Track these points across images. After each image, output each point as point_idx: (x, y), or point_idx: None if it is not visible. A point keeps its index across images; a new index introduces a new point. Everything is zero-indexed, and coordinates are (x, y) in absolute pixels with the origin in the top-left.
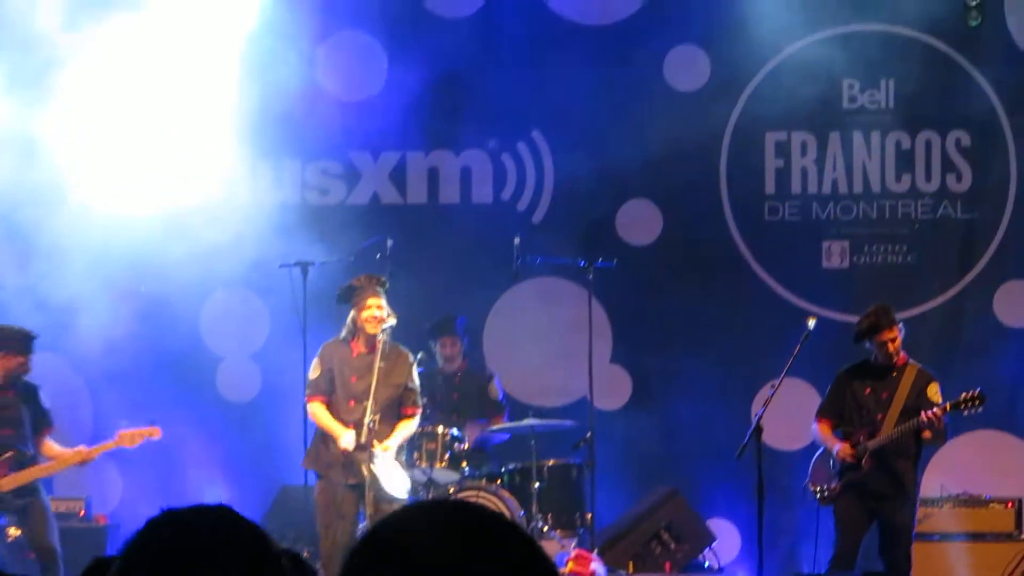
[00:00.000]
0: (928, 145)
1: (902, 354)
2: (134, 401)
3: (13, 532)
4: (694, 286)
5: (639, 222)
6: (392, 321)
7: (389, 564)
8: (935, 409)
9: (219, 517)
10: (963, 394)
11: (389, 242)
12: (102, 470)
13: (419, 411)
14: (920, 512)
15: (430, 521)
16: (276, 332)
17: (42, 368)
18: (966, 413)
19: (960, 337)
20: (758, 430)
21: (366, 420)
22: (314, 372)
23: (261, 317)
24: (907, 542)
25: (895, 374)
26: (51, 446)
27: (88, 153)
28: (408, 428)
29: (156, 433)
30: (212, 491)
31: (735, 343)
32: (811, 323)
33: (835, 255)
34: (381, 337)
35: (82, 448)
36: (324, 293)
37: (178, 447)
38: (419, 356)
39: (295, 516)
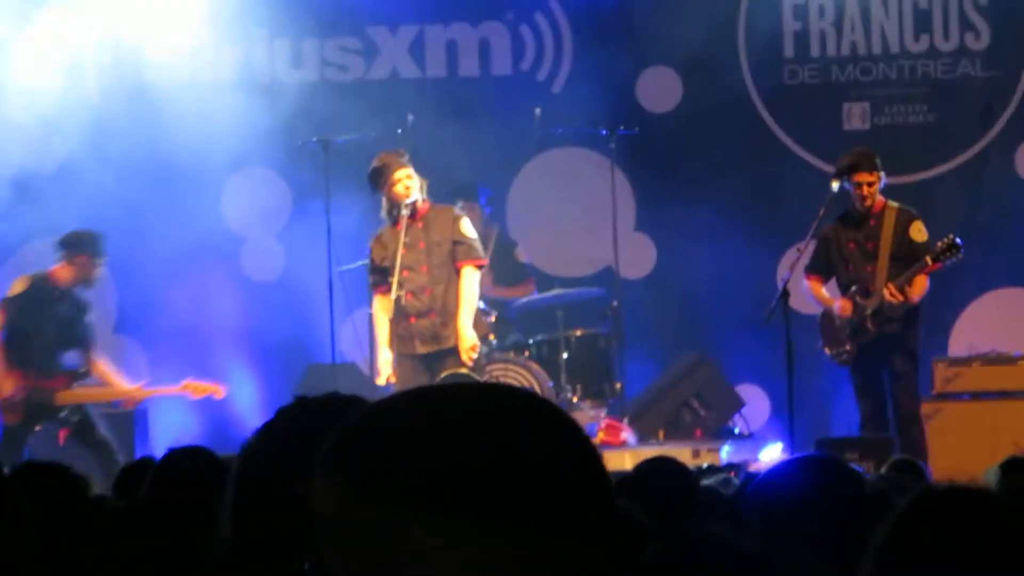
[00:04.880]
0: (945, 4)
1: (879, 199)
2: (158, 285)
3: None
4: (716, 152)
5: (659, 89)
6: (419, 184)
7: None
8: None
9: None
10: (938, 243)
11: (410, 117)
12: (129, 355)
13: (472, 264)
14: (949, 372)
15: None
16: (299, 211)
17: None
18: (947, 263)
19: (981, 196)
20: (785, 294)
21: (398, 301)
22: (368, 266)
23: (283, 196)
24: (915, 373)
25: (874, 222)
26: (105, 368)
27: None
28: (467, 289)
29: (220, 393)
30: (239, 371)
31: (759, 208)
32: (835, 186)
33: (856, 117)
34: (418, 199)
35: (140, 386)
36: (346, 170)
37: (204, 328)
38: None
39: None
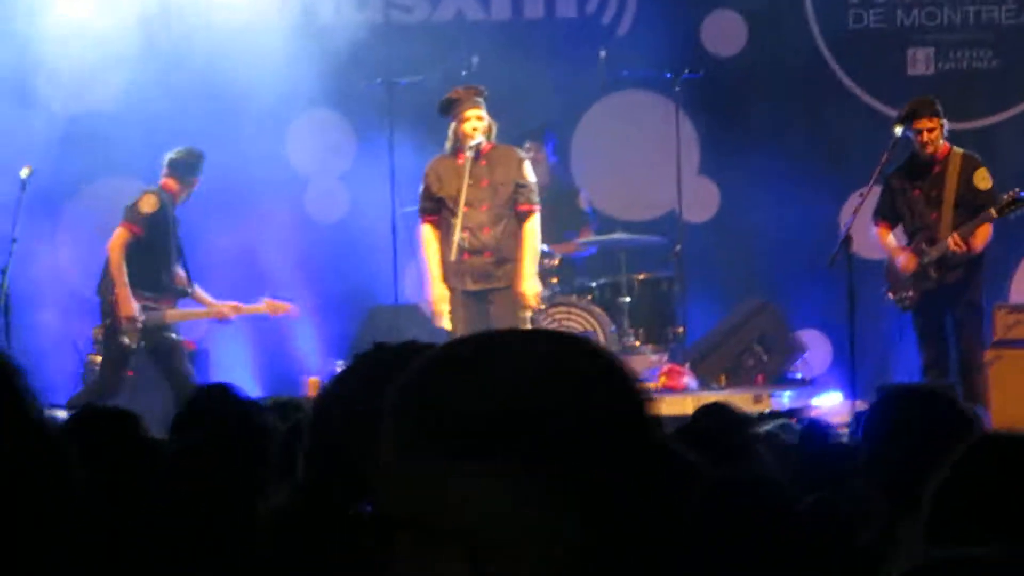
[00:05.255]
0: None
1: (943, 145)
2: (222, 225)
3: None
4: (780, 96)
5: (724, 33)
6: (487, 126)
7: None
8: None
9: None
10: (1004, 196)
11: (474, 59)
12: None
13: (534, 207)
14: (1010, 318)
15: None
16: (363, 152)
17: (127, 193)
18: (1011, 215)
19: None
20: (847, 239)
21: (455, 237)
22: (422, 192)
23: (347, 137)
24: (979, 320)
25: (939, 169)
26: (198, 290)
27: None
28: (531, 235)
29: (294, 312)
30: (301, 312)
31: (822, 152)
32: (898, 131)
33: (920, 62)
34: (482, 141)
35: (234, 304)
36: (410, 112)
37: (266, 269)
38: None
39: (386, 335)
